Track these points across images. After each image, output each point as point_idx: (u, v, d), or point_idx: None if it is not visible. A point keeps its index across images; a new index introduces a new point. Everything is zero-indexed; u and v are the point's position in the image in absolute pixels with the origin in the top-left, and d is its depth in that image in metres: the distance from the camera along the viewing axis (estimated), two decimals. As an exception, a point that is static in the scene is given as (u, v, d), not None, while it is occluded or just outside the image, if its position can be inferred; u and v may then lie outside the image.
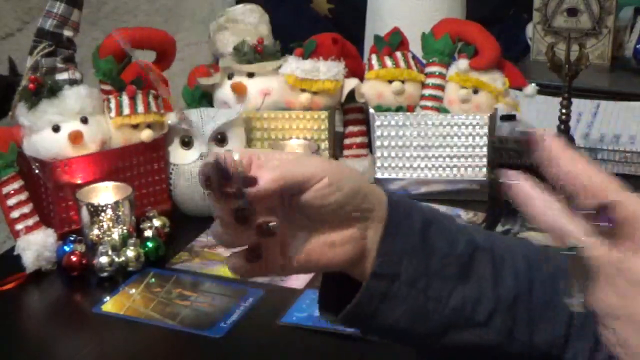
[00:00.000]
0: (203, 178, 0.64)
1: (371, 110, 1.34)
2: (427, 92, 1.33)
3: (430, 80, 1.33)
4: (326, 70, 1.33)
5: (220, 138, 1.28)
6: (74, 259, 1.12)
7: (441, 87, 1.33)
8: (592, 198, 0.54)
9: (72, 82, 1.20)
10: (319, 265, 0.70)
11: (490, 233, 0.78)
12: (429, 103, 1.33)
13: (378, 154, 1.33)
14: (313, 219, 0.68)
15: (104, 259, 1.11)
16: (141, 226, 1.19)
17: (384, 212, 0.70)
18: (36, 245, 1.13)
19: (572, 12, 1.84)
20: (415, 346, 0.78)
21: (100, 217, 1.13)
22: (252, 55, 1.34)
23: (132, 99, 1.22)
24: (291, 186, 0.65)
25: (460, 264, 0.72)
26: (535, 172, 0.58)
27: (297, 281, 1.11)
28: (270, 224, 0.65)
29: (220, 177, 0.63)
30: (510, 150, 1.47)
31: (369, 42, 1.52)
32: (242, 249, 0.68)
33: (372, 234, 0.70)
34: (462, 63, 1.31)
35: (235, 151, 0.64)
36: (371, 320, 0.72)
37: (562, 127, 1.31)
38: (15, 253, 1.14)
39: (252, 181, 0.63)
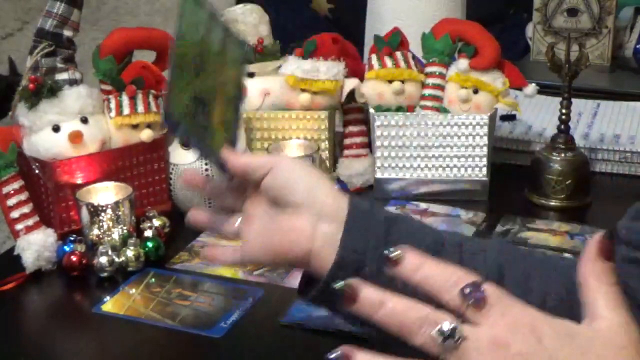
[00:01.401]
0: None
1: (371, 110, 1.34)
2: (427, 92, 1.33)
3: (430, 80, 1.33)
4: (326, 70, 1.33)
5: (220, 138, 1.28)
6: (74, 259, 1.12)
7: (441, 87, 1.33)
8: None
9: (72, 82, 1.20)
10: (278, 251, 0.75)
11: (462, 235, 0.80)
12: (429, 103, 1.33)
13: (378, 154, 1.33)
14: (273, 205, 0.75)
15: (104, 259, 1.11)
16: (141, 226, 1.19)
17: (343, 208, 0.73)
18: (36, 245, 1.13)
19: (572, 12, 1.84)
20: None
21: (100, 217, 1.13)
22: (252, 55, 1.34)
23: (132, 99, 1.22)
24: (250, 170, 0.76)
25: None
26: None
27: (297, 281, 1.11)
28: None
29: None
30: (510, 151, 1.48)
31: (369, 42, 1.52)
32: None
33: (325, 229, 0.73)
34: (462, 63, 1.31)
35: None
36: (334, 305, 0.73)
37: (562, 127, 1.31)
38: (15, 253, 1.14)
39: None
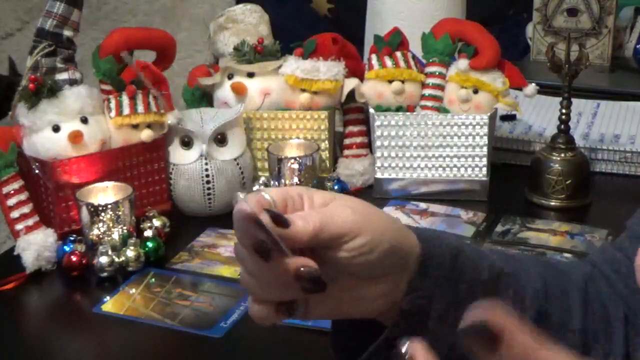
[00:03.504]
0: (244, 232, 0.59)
1: (371, 110, 1.34)
2: (427, 92, 1.33)
3: (430, 80, 1.33)
4: (326, 70, 1.33)
5: (220, 138, 1.28)
6: (74, 259, 1.12)
7: (441, 87, 1.33)
8: None
9: (72, 82, 1.20)
10: (345, 316, 0.67)
11: (503, 252, 0.75)
12: (429, 103, 1.33)
13: (378, 154, 1.33)
14: (341, 273, 0.63)
15: (104, 259, 1.11)
16: (141, 226, 1.19)
17: (416, 256, 0.66)
18: (36, 245, 1.13)
19: (572, 12, 1.84)
20: None
21: (100, 217, 1.13)
22: (252, 55, 1.34)
23: (132, 99, 1.22)
24: (323, 241, 0.61)
25: (485, 291, 0.70)
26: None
27: (297, 281, 1.11)
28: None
29: (256, 229, 0.58)
30: (510, 151, 1.48)
31: (369, 42, 1.52)
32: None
33: (404, 282, 0.66)
34: (462, 63, 1.31)
35: (265, 191, 0.61)
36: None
37: (562, 127, 1.31)
38: (15, 253, 1.14)
39: (284, 224, 0.59)
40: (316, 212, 0.62)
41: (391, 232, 0.64)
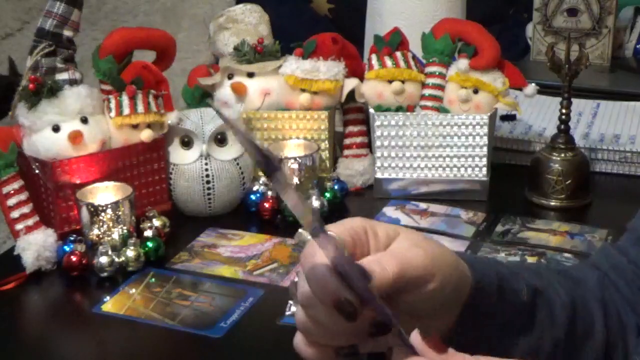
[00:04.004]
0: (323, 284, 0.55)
1: (371, 110, 1.34)
2: (427, 92, 1.33)
3: (430, 80, 1.33)
4: (326, 70, 1.33)
5: (220, 138, 1.28)
6: (74, 259, 1.12)
7: (441, 87, 1.33)
8: None
9: (72, 82, 1.20)
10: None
11: (528, 267, 0.76)
12: (429, 103, 1.33)
13: (378, 154, 1.33)
14: (400, 311, 0.61)
15: (104, 259, 1.11)
16: (141, 226, 1.19)
17: (469, 290, 0.65)
18: (36, 245, 1.13)
19: (572, 12, 1.84)
20: None
21: (100, 217, 1.13)
22: (252, 55, 1.34)
23: (132, 98, 1.22)
24: (402, 286, 0.58)
25: (526, 313, 0.70)
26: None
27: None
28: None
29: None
30: (510, 151, 1.48)
31: (369, 42, 1.52)
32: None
33: (454, 317, 0.65)
34: (462, 63, 1.31)
35: (332, 230, 0.55)
36: None
37: (562, 127, 1.31)
38: (15, 253, 1.14)
39: (366, 277, 0.55)
40: (390, 256, 0.59)
41: (456, 273, 0.63)
